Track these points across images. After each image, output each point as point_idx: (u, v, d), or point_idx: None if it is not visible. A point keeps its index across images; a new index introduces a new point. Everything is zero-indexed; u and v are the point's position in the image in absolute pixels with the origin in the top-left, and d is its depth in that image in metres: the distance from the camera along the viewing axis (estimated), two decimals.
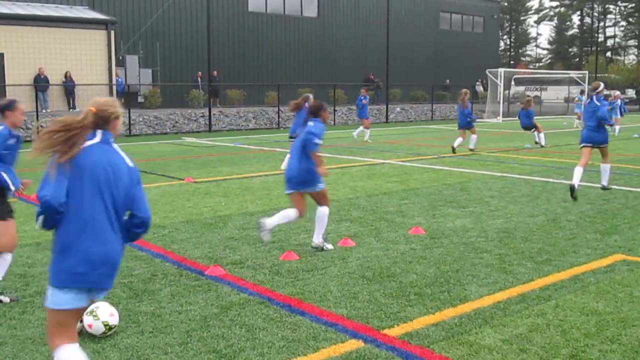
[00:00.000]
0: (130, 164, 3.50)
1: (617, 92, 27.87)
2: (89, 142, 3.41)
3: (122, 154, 3.51)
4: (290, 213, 6.78)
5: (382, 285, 5.63)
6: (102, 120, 3.45)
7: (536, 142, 18.96)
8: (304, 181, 6.77)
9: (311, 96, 14.40)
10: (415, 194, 10.34)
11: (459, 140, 17.28)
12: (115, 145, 3.51)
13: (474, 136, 17.43)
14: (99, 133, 3.45)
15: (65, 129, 3.32)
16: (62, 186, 3.27)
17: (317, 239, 6.87)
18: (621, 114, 24.08)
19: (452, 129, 27.50)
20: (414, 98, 40.34)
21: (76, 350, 3.43)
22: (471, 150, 17.28)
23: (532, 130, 19.20)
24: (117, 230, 3.44)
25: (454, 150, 16.96)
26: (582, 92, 34.64)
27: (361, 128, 21.55)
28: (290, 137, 13.51)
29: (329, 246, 6.88)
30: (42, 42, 26.40)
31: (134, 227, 3.52)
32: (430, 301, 5.20)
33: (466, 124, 17.47)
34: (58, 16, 27.10)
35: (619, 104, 24.05)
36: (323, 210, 6.87)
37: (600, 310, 4.98)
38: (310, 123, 6.94)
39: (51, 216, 3.28)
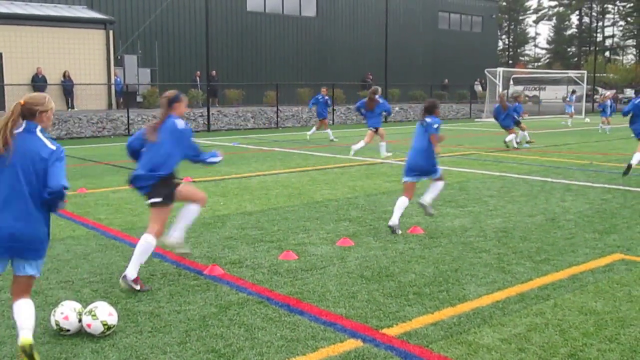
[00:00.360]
0: (52, 147, 3.99)
1: (608, 93, 29.51)
2: (15, 131, 3.95)
3: (44, 140, 4.00)
4: (404, 201, 7.74)
5: (381, 284, 5.63)
6: (28, 112, 4.01)
7: (505, 142, 19.37)
8: (428, 171, 7.81)
9: (379, 89, 16.26)
10: (414, 194, 10.31)
11: (512, 136, 18.20)
12: (38, 133, 4.01)
13: (512, 136, 18.14)
14: (24, 123, 4.00)
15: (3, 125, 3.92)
16: None
17: (427, 199, 7.89)
18: (610, 114, 25.45)
19: (451, 128, 27.50)
20: (413, 98, 40.34)
21: None
22: (517, 145, 18.25)
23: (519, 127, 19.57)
24: (37, 206, 3.92)
25: (508, 146, 17.84)
26: (573, 93, 34.91)
27: (314, 129, 21.35)
28: (375, 130, 15.42)
29: (432, 211, 8.00)
30: (40, 41, 26.38)
31: (46, 195, 3.92)
32: (429, 301, 5.20)
33: (508, 124, 18.20)
34: (56, 16, 27.08)
35: (609, 103, 25.61)
36: (440, 183, 8.03)
37: (598, 309, 4.98)
38: (428, 119, 7.77)
39: None
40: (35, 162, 3.91)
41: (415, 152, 7.77)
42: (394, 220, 7.58)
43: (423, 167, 7.72)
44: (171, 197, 5.78)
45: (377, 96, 15.54)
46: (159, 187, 5.66)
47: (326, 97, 21.47)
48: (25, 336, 3.88)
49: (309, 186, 11.18)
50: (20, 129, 3.97)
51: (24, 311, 3.99)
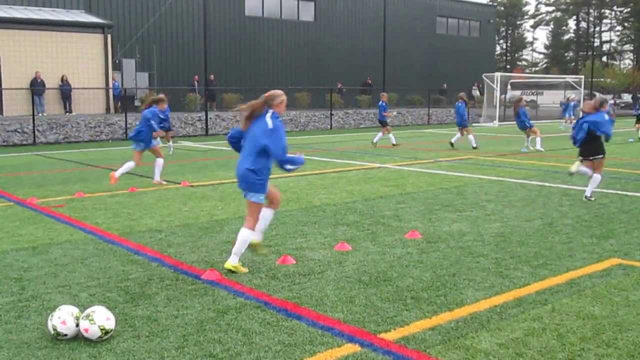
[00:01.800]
0: (270, 126, 5.98)
1: (572, 96, 35.45)
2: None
3: (268, 120, 6.01)
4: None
5: (379, 289, 5.63)
6: (267, 101, 6.11)
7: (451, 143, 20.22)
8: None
9: (523, 97, 19.68)
10: (411, 198, 10.35)
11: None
12: (267, 115, 6.03)
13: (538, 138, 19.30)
14: (264, 109, 6.08)
15: (250, 105, 6.15)
16: (235, 131, 6.38)
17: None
18: (570, 114, 31.21)
19: (450, 132, 27.52)
20: (411, 102, 40.41)
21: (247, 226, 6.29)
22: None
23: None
24: (256, 160, 6.04)
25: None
26: (570, 99, 35.72)
27: (169, 143, 19.05)
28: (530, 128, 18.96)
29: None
30: (38, 45, 26.39)
31: (273, 158, 6.08)
32: (426, 305, 5.20)
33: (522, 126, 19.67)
34: (55, 20, 27.09)
35: (572, 105, 31.81)
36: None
37: (596, 314, 4.98)
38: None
39: (229, 143, 6.46)
40: (260, 133, 5.98)
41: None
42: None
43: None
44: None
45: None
46: (601, 147, 9.85)
47: (164, 110, 19.43)
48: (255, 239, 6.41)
49: (307, 190, 11.18)
50: (263, 112, 6.06)
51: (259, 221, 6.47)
